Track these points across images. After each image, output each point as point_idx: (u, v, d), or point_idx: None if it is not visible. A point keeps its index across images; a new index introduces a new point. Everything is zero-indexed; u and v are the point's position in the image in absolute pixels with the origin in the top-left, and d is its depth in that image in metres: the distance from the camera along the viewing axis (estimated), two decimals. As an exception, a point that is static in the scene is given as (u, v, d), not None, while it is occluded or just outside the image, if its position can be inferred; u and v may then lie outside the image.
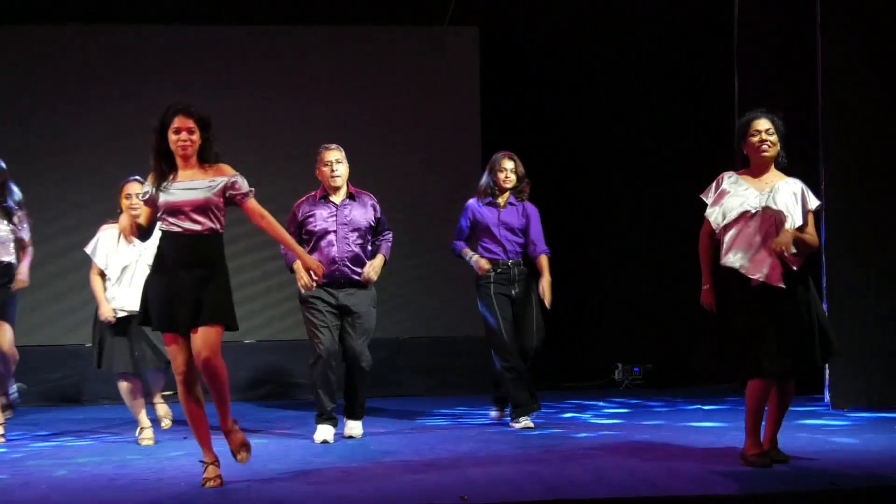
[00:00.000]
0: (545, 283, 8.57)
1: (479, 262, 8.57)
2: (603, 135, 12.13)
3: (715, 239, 6.66)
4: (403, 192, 11.16)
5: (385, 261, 8.23)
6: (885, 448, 7.17)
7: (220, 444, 6.35)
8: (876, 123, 9.31)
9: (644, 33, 11.89)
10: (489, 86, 11.69)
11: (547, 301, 8.56)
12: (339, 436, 8.22)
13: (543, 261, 8.68)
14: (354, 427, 8.22)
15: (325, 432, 8.04)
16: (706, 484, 6.00)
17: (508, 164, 8.62)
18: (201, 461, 6.23)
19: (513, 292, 8.61)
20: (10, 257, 8.48)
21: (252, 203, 6.26)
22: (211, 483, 6.10)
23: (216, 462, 6.20)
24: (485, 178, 8.73)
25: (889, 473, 6.21)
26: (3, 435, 8.32)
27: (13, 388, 8.71)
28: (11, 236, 8.45)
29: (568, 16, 11.83)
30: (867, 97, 9.31)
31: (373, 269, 8.10)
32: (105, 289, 8.07)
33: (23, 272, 8.57)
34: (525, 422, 8.51)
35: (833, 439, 7.60)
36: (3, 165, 8.52)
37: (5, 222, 8.45)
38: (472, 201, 8.75)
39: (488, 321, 8.62)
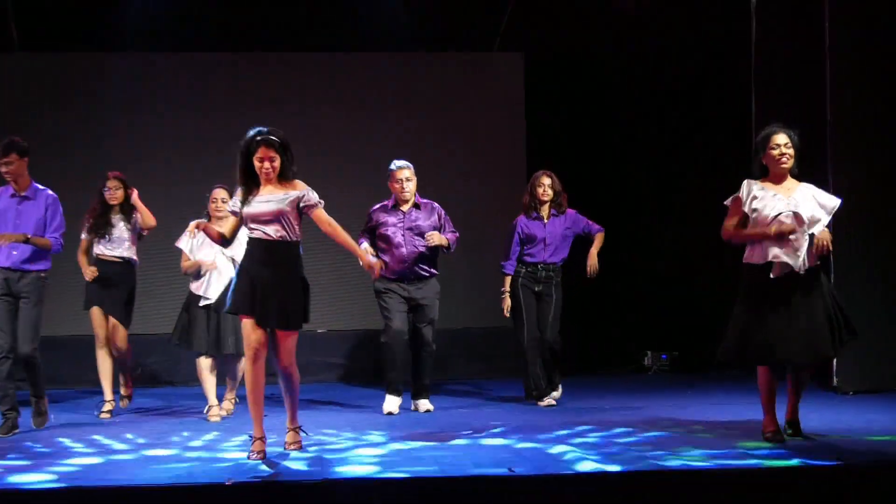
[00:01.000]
0: (592, 252, 8.81)
1: (504, 302, 8.86)
2: (634, 146, 12.11)
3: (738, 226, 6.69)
4: (456, 200, 11.10)
5: (448, 243, 8.47)
6: (887, 428, 7.12)
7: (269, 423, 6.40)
8: (878, 136, 9.30)
9: (672, 57, 11.84)
10: (533, 104, 11.69)
11: (589, 268, 8.75)
12: (403, 409, 8.42)
13: (598, 237, 8.88)
14: (425, 404, 8.47)
15: (392, 403, 8.31)
16: (725, 458, 5.99)
17: (546, 181, 8.79)
18: (249, 435, 6.34)
19: (536, 289, 8.80)
20: (128, 253, 8.62)
21: (319, 212, 6.33)
22: (256, 456, 6.17)
23: (263, 438, 6.28)
24: (527, 195, 8.88)
25: (891, 451, 6.17)
26: (110, 411, 8.51)
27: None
28: (129, 234, 8.58)
29: (603, 41, 11.81)
30: (870, 113, 9.29)
31: (436, 235, 8.36)
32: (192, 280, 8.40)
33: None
34: (548, 401, 8.71)
35: (840, 420, 7.55)
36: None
37: (124, 222, 8.58)
38: (520, 218, 8.85)
39: (514, 321, 8.87)
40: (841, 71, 9.32)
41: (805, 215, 6.45)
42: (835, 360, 9.09)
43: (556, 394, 8.82)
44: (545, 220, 8.79)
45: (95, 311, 8.57)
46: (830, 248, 6.47)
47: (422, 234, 8.36)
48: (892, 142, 9.29)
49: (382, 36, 11.54)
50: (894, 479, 5.57)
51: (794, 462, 5.83)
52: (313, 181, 6.45)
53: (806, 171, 6.77)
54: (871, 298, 9.05)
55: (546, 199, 8.77)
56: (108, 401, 8.56)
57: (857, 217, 8.92)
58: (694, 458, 5.93)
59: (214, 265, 8.19)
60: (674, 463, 5.81)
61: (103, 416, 8.45)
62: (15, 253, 7.46)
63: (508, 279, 8.84)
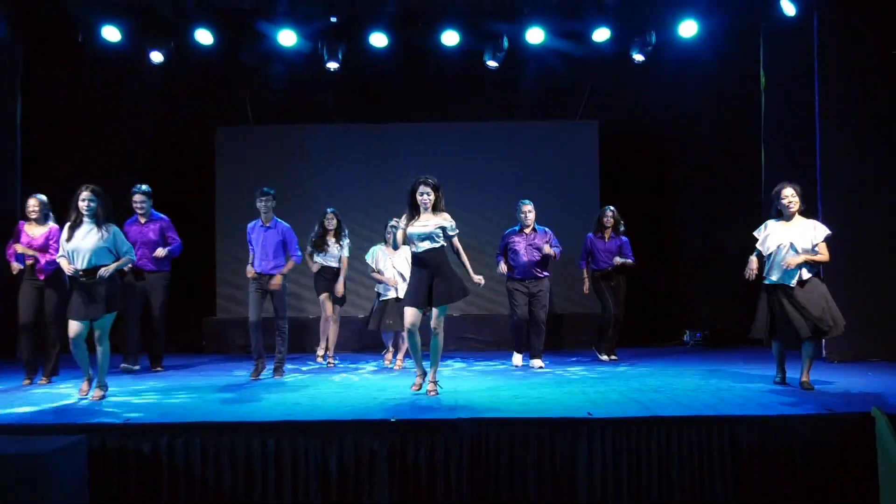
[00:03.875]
0: (619, 259, 9.29)
1: (585, 284, 9.48)
2: (680, 185, 11.90)
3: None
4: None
5: (555, 254, 8.93)
6: (864, 386, 7.05)
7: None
8: (856, 182, 9.21)
9: (704, 126, 11.64)
10: (605, 161, 11.60)
11: (615, 262, 9.26)
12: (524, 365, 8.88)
13: (628, 262, 9.35)
14: (538, 363, 8.86)
15: (518, 358, 8.98)
16: (744, 407, 5.99)
17: (608, 213, 9.41)
18: (415, 372, 6.93)
19: (612, 283, 9.37)
20: (336, 263, 9.17)
21: (454, 241, 6.84)
22: (416, 388, 6.80)
23: (424, 375, 6.84)
24: (596, 222, 9.49)
25: (866, 403, 6.03)
26: (331, 361, 9.17)
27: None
28: (338, 254, 9.14)
29: (656, 112, 11.61)
30: (850, 168, 9.21)
31: (618, 259, 9.23)
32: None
33: (339, 284, 9.09)
34: (613, 357, 9.40)
35: (828, 381, 7.37)
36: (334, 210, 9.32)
37: (337, 244, 9.13)
38: (589, 235, 9.49)
39: (601, 302, 9.44)
40: (829, 137, 9.25)
41: (798, 244, 6.74)
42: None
43: (614, 357, 9.46)
44: (606, 239, 9.38)
45: (324, 297, 9.20)
46: (792, 266, 6.71)
47: (539, 249, 8.85)
48: (862, 185, 9.21)
49: (495, 107, 11.60)
50: (866, 424, 5.55)
51: (793, 411, 5.76)
52: (453, 213, 6.90)
53: (807, 208, 7.08)
54: (852, 289, 8.81)
55: (608, 224, 9.39)
56: (331, 355, 9.22)
57: (839, 235, 8.70)
58: (721, 408, 5.93)
59: (391, 279, 8.80)
60: (708, 411, 5.83)
61: (329, 364, 9.10)
62: (264, 263, 8.16)
63: (584, 271, 9.48)
